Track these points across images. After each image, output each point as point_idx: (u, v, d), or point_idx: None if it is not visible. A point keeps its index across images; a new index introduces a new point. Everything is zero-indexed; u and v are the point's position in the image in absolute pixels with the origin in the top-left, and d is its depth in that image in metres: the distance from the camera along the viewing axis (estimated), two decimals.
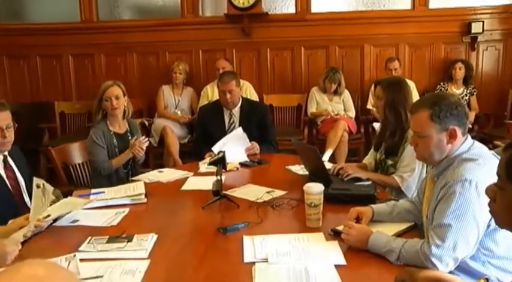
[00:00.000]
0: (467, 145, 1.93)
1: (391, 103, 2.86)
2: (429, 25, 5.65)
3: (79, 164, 3.55)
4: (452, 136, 1.90)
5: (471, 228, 1.77)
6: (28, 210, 2.33)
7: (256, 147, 3.65)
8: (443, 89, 5.51)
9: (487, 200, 1.27)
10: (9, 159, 2.61)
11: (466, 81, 5.55)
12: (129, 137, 3.46)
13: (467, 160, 1.86)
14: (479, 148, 1.94)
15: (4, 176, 2.56)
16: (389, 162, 2.90)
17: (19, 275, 0.69)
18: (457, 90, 5.50)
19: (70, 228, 2.35)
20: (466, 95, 5.50)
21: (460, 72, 5.47)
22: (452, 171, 1.86)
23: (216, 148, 3.40)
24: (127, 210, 2.54)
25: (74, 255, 1.94)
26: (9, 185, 2.56)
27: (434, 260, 1.76)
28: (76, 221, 2.42)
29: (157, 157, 5.27)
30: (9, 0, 6.15)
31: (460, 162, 1.87)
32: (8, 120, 2.51)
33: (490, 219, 1.75)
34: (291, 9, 5.85)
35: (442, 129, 1.90)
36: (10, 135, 2.52)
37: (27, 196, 2.58)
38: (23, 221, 2.20)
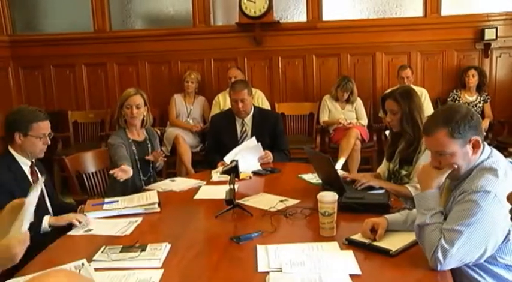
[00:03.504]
0: (487, 153, 1.92)
1: (408, 114, 2.81)
2: (441, 32, 5.62)
3: (92, 173, 3.56)
4: (475, 146, 1.88)
5: (480, 239, 1.76)
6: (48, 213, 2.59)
7: (270, 156, 3.64)
8: (456, 96, 5.47)
9: (507, 209, 1.25)
10: (35, 166, 2.74)
11: (479, 89, 5.50)
12: (148, 145, 3.47)
13: (487, 170, 1.85)
14: (498, 156, 1.92)
15: (31, 180, 2.66)
16: (404, 172, 2.87)
17: None
18: (470, 97, 5.46)
19: (84, 238, 2.36)
20: (479, 102, 5.46)
21: (473, 79, 5.42)
22: (472, 181, 1.84)
23: (228, 158, 3.40)
24: (140, 219, 2.54)
25: (82, 264, 1.94)
26: None
27: (436, 260, 1.77)
28: (90, 230, 2.44)
29: (169, 166, 5.27)
30: (24, 12, 6.22)
31: (479, 171, 1.86)
32: (49, 129, 2.70)
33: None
34: (303, 18, 5.86)
35: (465, 143, 1.88)
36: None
37: (49, 201, 2.73)
38: None
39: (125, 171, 2.96)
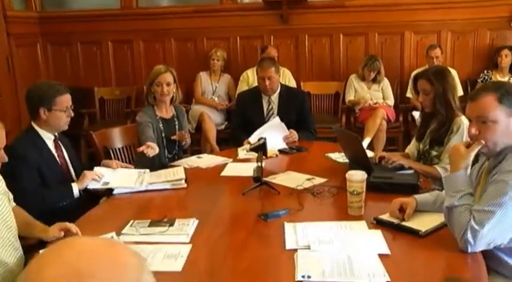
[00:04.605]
0: None
1: (441, 95, 2.74)
2: (474, 11, 5.44)
3: (119, 149, 3.59)
4: None
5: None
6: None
7: (295, 135, 3.62)
8: (486, 77, 5.34)
9: None
10: (58, 140, 2.77)
11: None
12: (175, 123, 3.48)
13: None
14: None
15: (55, 154, 2.71)
16: (434, 153, 2.82)
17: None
18: (502, 78, 5.31)
19: (112, 211, 2.42)
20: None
21: (506, 59, 5.27)
22: (506, 162, 1.80)
23: (253, 138, 3.39)
24: (147, 171, 2.82)
25: (112, 237, 1.98)
26: (59, 163, 2.73)
27: (466, 242, 1.74)
28: (107, 183, 2.68)
29: (194, 143, 5.28)
30: None
31: None
32: (70, 101, 2.71)
33: None
34: None
35: (511, 114, 1.81)
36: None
37: (74, 174, 2.77)
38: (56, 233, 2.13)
39: (152, 148, 3.00)
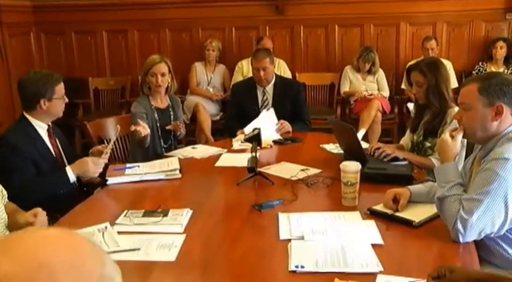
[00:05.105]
0: None
1: (434, 87, 2.74)
2: (469, 2, 5.43)
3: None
4: (498, 113, 1.83)
5: (500, 208, 1.74)
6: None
7: (287, 125, 3.61)
8: (481, 68, 5.35)
9: None
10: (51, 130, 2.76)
11: (507, 61, 5.34)
12: (171, 113, 3.47)
13: (511, 139, 1.80)
14: None
15: (49, 143, 2.69)
16: (428, 144, 2.83)
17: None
18: (496, 70, 5.32)
19: (106, 201, 2.41)
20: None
21: (501, 51, 5.27)
22: (494, 150, 1.81)
23: (247, 130, 3.39)
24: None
25: (106, 227, 1.97)
26: (53, 152, 2.71)
27: (457, 232, 1.76)
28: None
29: (189, 134, 5.27)
30: None
31: (505, 141, 1.81)
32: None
33: None
34: None
35: (489, 104, 1.84)
36: None
37: (68, 164, 2.72)
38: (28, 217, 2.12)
39: (143, 127, 3.03)
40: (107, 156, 2.69)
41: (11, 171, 2.47)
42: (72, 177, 2.59)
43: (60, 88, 2.65)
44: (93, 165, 2.60)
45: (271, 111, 3.67)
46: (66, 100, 2.71)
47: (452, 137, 1.97)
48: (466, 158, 2.35)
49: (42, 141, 2.66)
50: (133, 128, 3.01)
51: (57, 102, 2.64)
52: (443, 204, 1.85)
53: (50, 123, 2.73)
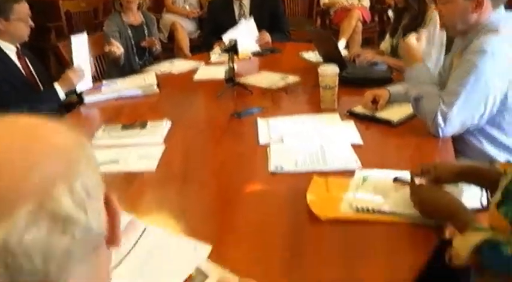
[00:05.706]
0: (497, 17, 1.79)
1: None
2: None
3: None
4: (479, 5, 1.76)
5: (479, 100, 1.74)
6: None
7: (267, 36, 3.52)
8: None
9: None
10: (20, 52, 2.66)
11: None
12: (145, 30, 3.38)
13: (490, 31, 1.76)
14: (510, 18, 1.82)
15: (19, 65, 2.61)
16: None
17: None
18: None
19: (82, 117, 2.37)
20: None
21: None
22: (473, 43, 1.78)
23: (226, 37, 3.29)
24: None
25: None
26: (23, 72, 2.63)
27: (437, 126, 1.77)
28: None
29: (167, 51, 5.15)
30: None
31: (484, 33, 1.77)
32: (29, 11, 2.58)
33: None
34: None
35: None
36: None
37: (41, 85, 2.67)
38: None
39: (117, 46, 3.01)
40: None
41: None
42: (61, 94, 2.52)
43: (22, 8, 2.53)
44: (74, 75, 2.52)
45: (252, 21, 3.55)
46: (31, 23, 2.58)
47: (417, 40, 1.96)
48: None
49: (10, 60, 2.57)
50: (107, 48, 2.96)
51: (18, 24, 2.52)
52: (421, 103, 1.84)
53: (18, 46, 2.63)
